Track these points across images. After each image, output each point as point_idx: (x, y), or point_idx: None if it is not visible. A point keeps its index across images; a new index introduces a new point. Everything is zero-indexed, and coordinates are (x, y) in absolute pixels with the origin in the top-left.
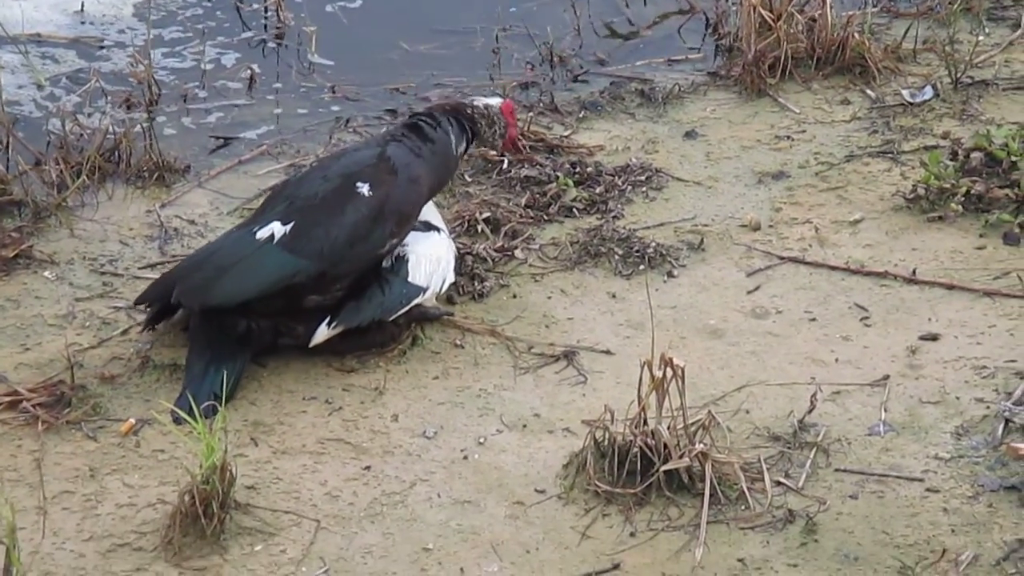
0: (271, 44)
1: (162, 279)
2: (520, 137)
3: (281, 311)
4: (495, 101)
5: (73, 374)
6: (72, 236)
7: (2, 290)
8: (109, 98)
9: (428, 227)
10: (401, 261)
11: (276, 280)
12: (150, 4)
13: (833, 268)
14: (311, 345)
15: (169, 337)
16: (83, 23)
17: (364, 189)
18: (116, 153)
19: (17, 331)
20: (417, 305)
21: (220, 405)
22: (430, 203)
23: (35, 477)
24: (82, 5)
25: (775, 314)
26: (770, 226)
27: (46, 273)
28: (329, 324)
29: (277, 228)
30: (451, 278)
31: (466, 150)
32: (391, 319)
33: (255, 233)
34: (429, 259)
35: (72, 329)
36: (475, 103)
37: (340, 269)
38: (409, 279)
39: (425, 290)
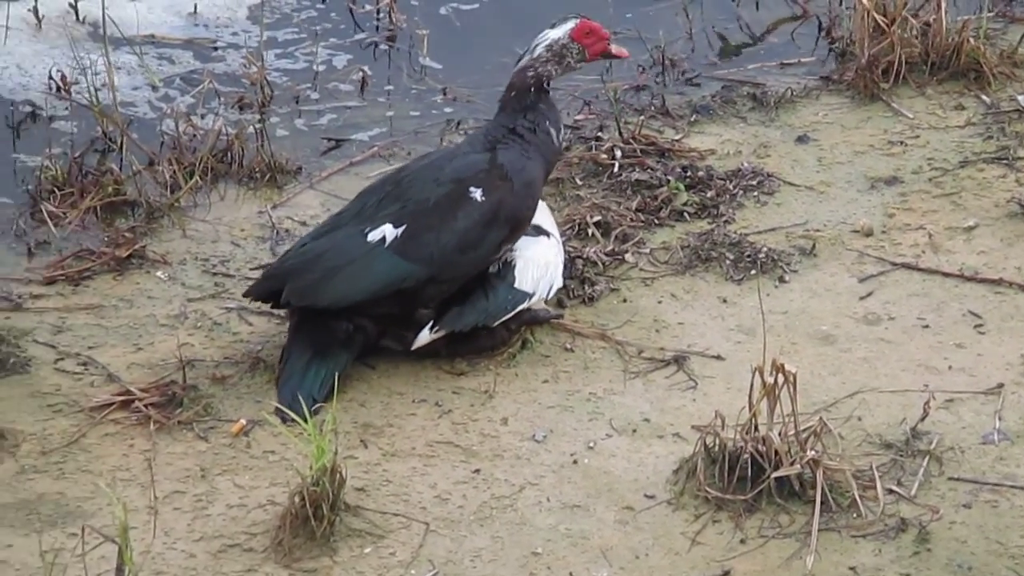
0: (383, 46)
1: (271, 274)
2: (609, 50)
3: (389, 316)
4: (561, 33)
5: (185, 374)
6: (184, 236)
7: (115, 290)
8: (222, 99)
9: (538, 231)
10: (508, 266)
11: (386, 284)
12: (264, 6)
13: (947, 275)
14: (413, 348)
15: (280, 338)
16: (196, 25)
17: (477, 195)
18: (228, 154)
19: (130, 331)
20: (525, 309)
21: (318, 404)
22: (542, 206)
23: (146, 477)
24: (195, 7)
25: (887, 320)
26: (883, 232)
27: (159, 273)
28: (431, 328)
29: (389, 231)
30: (559, 283)
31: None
32: (496, 324)
33: (366, 235)
34: (537, 264)
35: (184, 329)
36: (537, 53)
37: (449, 274)
38: (515, 285)
39: (531, 296)
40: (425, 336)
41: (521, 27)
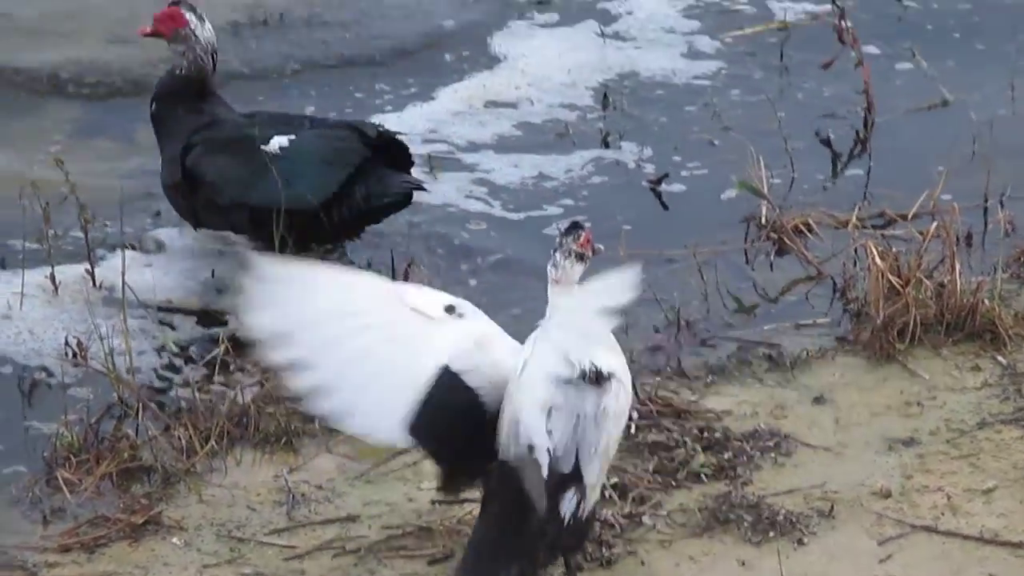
0: None
1: None
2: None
3: None
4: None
5: None
6: (200, 502)
7: (131, 556)
8: (237, 363)
9: None
10: None
11: None
12: None
13: (967, 537)
14: None
15: None
16: (213, 289)
17: None
18: (244, 418)
19: None
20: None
21: None
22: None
23: None
24: (213, 272)
25: None
26: (901, 494)
27: (174, 539)
28: None
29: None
30: None
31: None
32: None
33: None
34: None
35: None
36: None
37: None
38: None
39: None
40: None
41: (540, 288)
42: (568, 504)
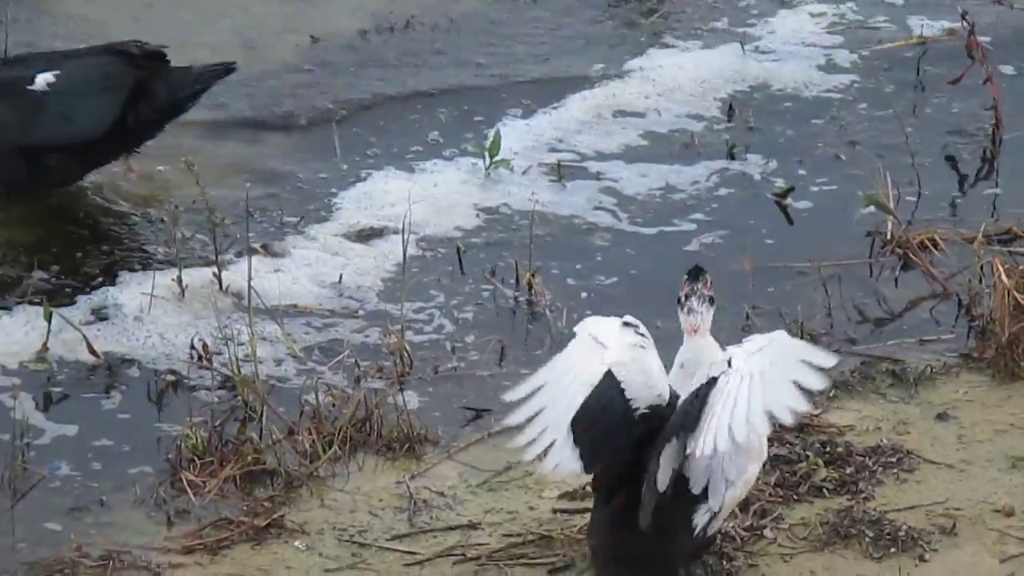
0: (522, 316)
1: None
2: None
3: None
4: None
5: None
6: (323, 506)
7: (253, 559)
8: (361, 368)
9: None
10: None
11: None
12: (405, 271)
13: None
14: None
15: None
16: (340, 295)
17: None
18: (367, 424)
19: None
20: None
21: None
22: None
23: None
24: (340, 277)
25: None
26: None
27: (296, 543)
28: None
29: None
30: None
31: None
32: None
33: None
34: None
35: None
36: None
37: None
38: None
39: None
40: None
41: (660, 302)
42: (701, 517)
